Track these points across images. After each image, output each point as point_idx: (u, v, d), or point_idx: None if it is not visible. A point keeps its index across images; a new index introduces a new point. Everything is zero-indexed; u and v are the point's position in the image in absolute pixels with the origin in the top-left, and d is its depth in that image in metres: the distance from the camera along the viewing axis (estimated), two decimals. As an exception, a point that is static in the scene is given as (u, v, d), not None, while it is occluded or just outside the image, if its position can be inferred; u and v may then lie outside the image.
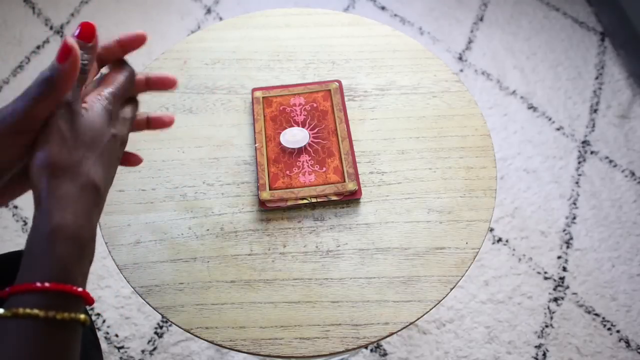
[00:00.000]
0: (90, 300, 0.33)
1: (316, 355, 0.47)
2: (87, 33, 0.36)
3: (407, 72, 0.64)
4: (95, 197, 0.34)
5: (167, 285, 0.50)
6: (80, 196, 0.33)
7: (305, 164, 0.56)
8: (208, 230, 0.53)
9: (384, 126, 0.60)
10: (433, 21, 1.38)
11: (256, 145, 0.57)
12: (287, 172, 0.55)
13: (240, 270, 0.51)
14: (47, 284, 0.30)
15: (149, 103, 0.62)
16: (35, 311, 0.29)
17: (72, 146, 0.34)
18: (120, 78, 0.40)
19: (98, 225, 0.47)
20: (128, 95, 0.41)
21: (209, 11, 1.40)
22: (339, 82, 0.62)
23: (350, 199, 0.54)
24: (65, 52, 0.33)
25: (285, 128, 0.58)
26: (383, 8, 1.41)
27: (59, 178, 0.33)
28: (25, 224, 1.08)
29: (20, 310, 0.29)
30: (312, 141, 0.57)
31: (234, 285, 0.50)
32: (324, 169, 0.55)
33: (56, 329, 0.30)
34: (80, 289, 0.32)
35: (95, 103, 0.37)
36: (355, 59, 0.65)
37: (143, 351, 0.94)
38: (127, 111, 0.40)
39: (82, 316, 0.32)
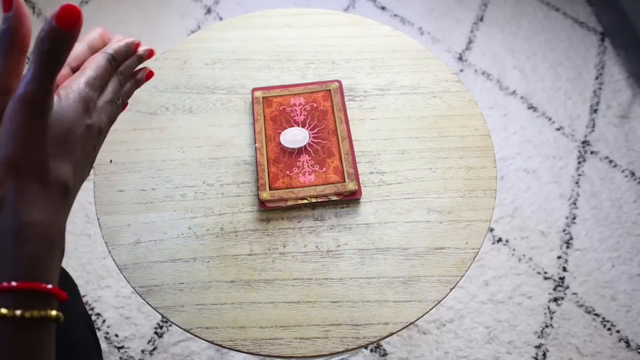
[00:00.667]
0: (61, 296, 0.32)
1: (316, 355, 0.47)
2: (67, 18, 0.31)
3: (407, 72, 0.64)
4: (62, 194, 0.33)
5: (167, 285, 0.50)
6: (47, 194, 0.32)
7: (305, 164, 0.56)
8: (208, 230, 0.53)
9: (384, 126, 0.60)
10: (433, 21, 1.38)
11: (256, 145, 0.57)
12: (287, 172, 0.55)
13: (240, 270, 0.51)
14: (13, 283, 0.30)
15: (149, 103, 0.62)
16: (3, 311, 0.29)
17: (38, 144, 0.32)
18: (99, 60, 0.38)
19: (98, 225, 0.47)
20: (109, 77, 0.39)
21: (209, 11, 1.40)
22: (339, 82, 0.62)
23: (350, 199, 0.54)
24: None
25: (285, 128, 0.58)
26: (383, 8, 1.42)
27: (24, 177, 0.31)
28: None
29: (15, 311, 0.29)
30: (312, 141, 0.57)
31: (234, 285, 0.50)
32: (324, 169, 0.55)
33: (26, 328, 0.30)
34: (49, 286, 0.31)
35: (70, 92, 0.34)
36: (355, 59, 0.65)
37: (143, 351, 0.94)
38: (108, 93, 0.38)
39: (54, 313, 0.31)
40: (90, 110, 0.36)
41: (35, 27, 1.36)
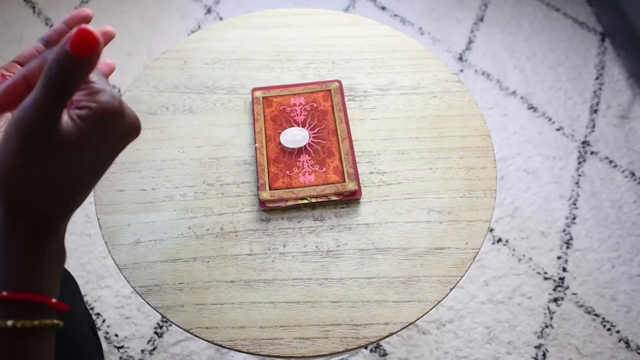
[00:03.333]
0: (58, 307, 0.31)
1: (316, 355, 0.47)
2: (83, 45, 0.27)
3: (407, 72, 0.64)
4: (44, 228, 0.31)
5: (167, 285, 0.50)
6: (29, 225, 0.31)
7: (305, 164, 0.56)
8: (208, 230, 0.53)
9: (384, 126, 0.60)
10: (433, 21, 1.38)
11: (256, 145, 0.57)
12: (287, 172, 0.55)
13: (240, 270, 0.51)
14: (4, 293, 0.29)
15: (150, 103, 0.62)
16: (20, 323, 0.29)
17: (25, 174, 0.29)
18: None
19: (98, 225, 0.47)
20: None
21: (209, 11, 1.40)
22: (339, 82, 0.62)
23: (350, 199, 0.54)
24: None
25: (285, 128, 0.58)
26: (383, 8, 1.42)
27: (9, 203, 0.30)
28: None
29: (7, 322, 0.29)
30: (312, 141, 0.57)
31: (233, 285, 0.50)
32: (324, 169, 0.55)
33: (21, 337, 0.30)
34: (41, 295, 0.30)
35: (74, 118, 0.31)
36: (355, 59, 0.65)
37: (143, 351, 0.94)
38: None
39: (48, 321, 0.31)
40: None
41: (36, 27, 1.36)
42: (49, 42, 0.40)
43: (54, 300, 0.31)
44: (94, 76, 0.32)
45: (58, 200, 0.31)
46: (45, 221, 0.31)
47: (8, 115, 0.36)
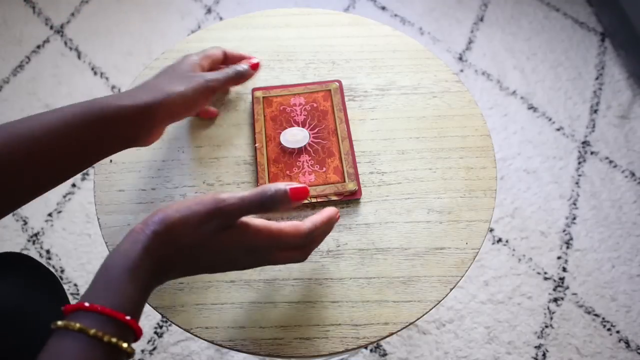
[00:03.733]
0: (139, 333, 0.36)
1: (316, 355, 0.47)
2: (300, 197, 0.41)
3: (407, 72, 0.64)
4: (176, 274, 0.39)
5: (167, 285, 0.50)
6: (160, 268, 0.37)
7: (305, 164, 0.56)
8: (208, 230, 0.53)
9: (384, 126, 0.60)
10: (433, 21, 1.38)
11: (256, 145, 0.57)
12: (287, 172, 0.55)
13: (240, 270, 0.51)
14: (116, 312, 0.33)
15: (149, 103, 0.62)
16: (100, 333, 0.32)
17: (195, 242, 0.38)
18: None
19: (98, 225, 0.47)
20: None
21: (209, 11, 1.40)
22: (339, 82, 0.62)
23: (350, 199, 0.54)
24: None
25: (286, 128, 0.58)
26: (383, 8, 1.42)
27: (161, 243, 0.37)
28: (26, 223, 1.08)
29: (89, 329, 0.32)
30: (312, 141, 0.57)
31: (233, 285, 0.50)
32: (324, 169, 0.55)
33: (112, 355, 0.33)
34: (139, 325, 0.35)
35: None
36: (355, 59, 0.65)
37: (143, 351, 0.94)
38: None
39: (132, 347, 0.35)
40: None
41: (36, 27, 1.36)
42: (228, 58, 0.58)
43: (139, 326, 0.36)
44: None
45: (190, 269, 0.40)
46: (168, 274, 0.38)
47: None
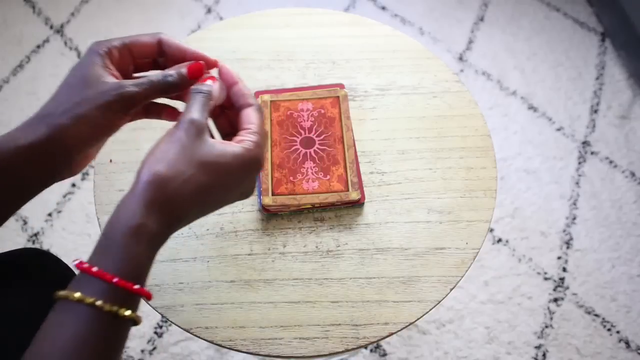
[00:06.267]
0: (148, 296, 0.35)
1: (316, 355, 0.47)
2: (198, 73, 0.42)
3: (407, 72, 0.64)
4: (178, 224, 0.36)
5: (167, 285, 0.50)
6: (167, 221, 0.35)
7: (310, 170, 0.55)
8: (208, 230, 0.53)
9: (384, 126, 0.60)
10: (433, 21, 1.38)
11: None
12: (291, 177, 0.55)
13: (240, 270, 0.51)
14: (116, 279, 0.31)
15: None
16: (100, 302, 0.31)
17: (187, 191, 0.35)
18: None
19: (98, 225, 0.47)
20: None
21: (209, 11, 1.40)
22: (342, 86, 0.62)
23: (352, 204, 0.54)
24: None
25: (292, 134, 0.58)
26: (383, 8, 1.41)
27: (155, 198, 0.34)
28: (25, 223, 1.08)
29: (88, 298, 0.31)
30: (317, 148, 0.57)
31: (233, 285, 0.50)
32: (328, 176, 0.55)
33: (114, 323, 0.32)
34: (145, 289, 0.34)
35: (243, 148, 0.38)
36: (355, 59, 0.65)
37: (142, 351, 0.94)
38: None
39: (137, 314, 0.34)
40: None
41: (36, 27, 1.36)
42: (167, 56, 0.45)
43: (146, 289, 0.34)
44: (255, 123, 0.41)
45: (194, 210, 0.37)
46: (173, 224, 0.36)
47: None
